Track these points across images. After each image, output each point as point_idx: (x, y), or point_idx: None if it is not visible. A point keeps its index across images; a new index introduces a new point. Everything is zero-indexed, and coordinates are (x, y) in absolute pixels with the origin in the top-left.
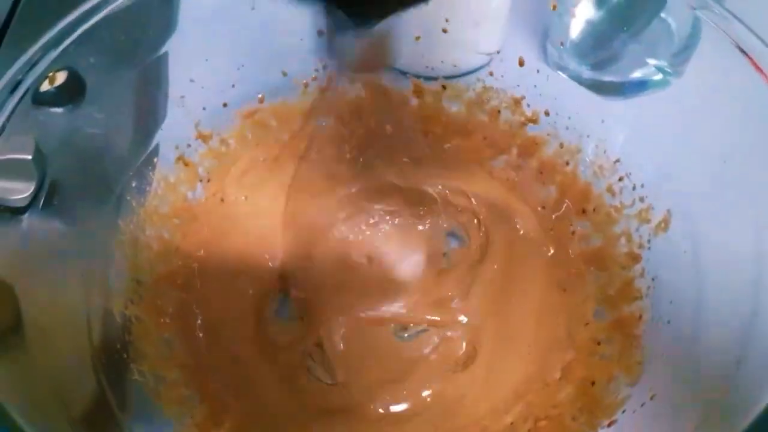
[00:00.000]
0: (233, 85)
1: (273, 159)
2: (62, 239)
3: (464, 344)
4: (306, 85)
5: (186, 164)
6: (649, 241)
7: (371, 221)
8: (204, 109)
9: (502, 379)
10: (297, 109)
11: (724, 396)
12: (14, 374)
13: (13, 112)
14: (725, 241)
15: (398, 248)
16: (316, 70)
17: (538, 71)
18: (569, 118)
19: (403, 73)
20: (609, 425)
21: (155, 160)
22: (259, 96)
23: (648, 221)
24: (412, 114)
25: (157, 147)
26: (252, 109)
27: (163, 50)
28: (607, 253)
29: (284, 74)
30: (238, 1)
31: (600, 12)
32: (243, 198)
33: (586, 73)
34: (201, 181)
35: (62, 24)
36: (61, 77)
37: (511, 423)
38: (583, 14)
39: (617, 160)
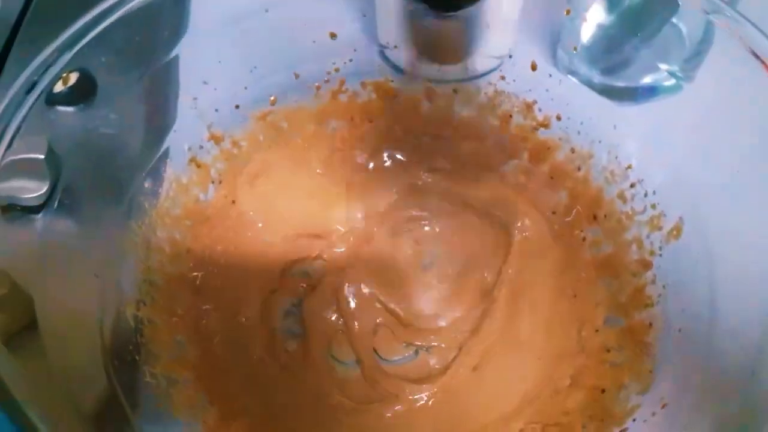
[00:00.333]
0: (246, 87)
1: (284, 161)
2: (75, 239)
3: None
4: (318, 88)
5: (198, 166)
6: (660, 248)
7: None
8: (216, 110)
9: (511, 385)
10: (309, 112)
11: (736, 407)
12: (29, 373)
13: (28, 112)
14: (739, 249)
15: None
16: (329, 73)
17: (550, 75)
18: (581, 123)
19: (415, 77)
20: None
21: (167, 161)
22: (271, 98)
23: (660, 228)
24: (424, 118)
25: (168, 148)
26: (264, 111)
27: (175, 52)
28: (618, 260)
29: (296, 77)
30: (251, 2)
31: (611, 16)
32: (254, 200)
33: (597, 78)
34: (213, 182)
35: (77, 25)
36: (73, 77)
37: (521, 430)
38: (594, 18)
39: (629, 166)
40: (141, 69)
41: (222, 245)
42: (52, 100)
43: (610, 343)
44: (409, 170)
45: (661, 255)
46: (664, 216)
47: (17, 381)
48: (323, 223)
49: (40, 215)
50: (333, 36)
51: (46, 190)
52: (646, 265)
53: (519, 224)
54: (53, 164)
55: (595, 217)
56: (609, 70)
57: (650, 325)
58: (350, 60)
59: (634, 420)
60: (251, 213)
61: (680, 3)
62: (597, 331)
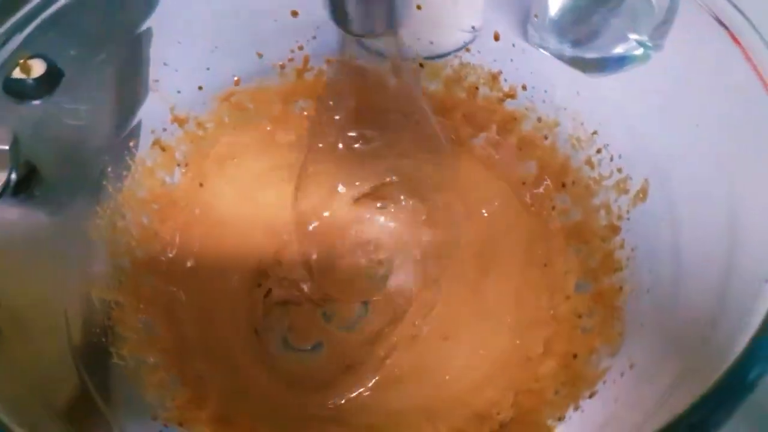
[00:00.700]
0: (208, 68)
1: (252, 142)
2: (38, 227)
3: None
4: (282, 67)
5: (163, 149)
6: (628, 211)
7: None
8: (179, 92)
9: (482, 354)
10: (274, 92)
11: (698, 358)
12: None
13: None
14: (701, 209)
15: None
16: (292, 51)
17: (513, 45)
18: (545, 91)
19: (380, 54)
20: (590, 396)
21: (131, 144)
22: (235, 78)
23: (626, 192)
24: (391, 94)
25: (133, 131)
26: (228, 92)
27: (139, 31)
28: (587, 227)
29: (260, 56)
30: None
31: None
32: (222, 182)
33: (568, 51)
34: (179, 165)
35: (29, 7)
36: (39, 69)
37: (493, 398)
38: None
39: (594, 132)
40: (104, 52)
41: (191, 228)
42: (20, 93)
43: (581, 309)
44: (378, 150)
45: (628, 218)
46: (630, 179)
47: None
48: (294, 205)
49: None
50: (295, 14)
51: (5, 180)
52: (615, 230)
53: (489, 198)
54: (15, 152)
55: (563, 185)
56: (579, 42)
57: (620, 288)
58: (313, 37)
59: (604, 382)
60: (218, 195)
61: None
62: (568, 297)
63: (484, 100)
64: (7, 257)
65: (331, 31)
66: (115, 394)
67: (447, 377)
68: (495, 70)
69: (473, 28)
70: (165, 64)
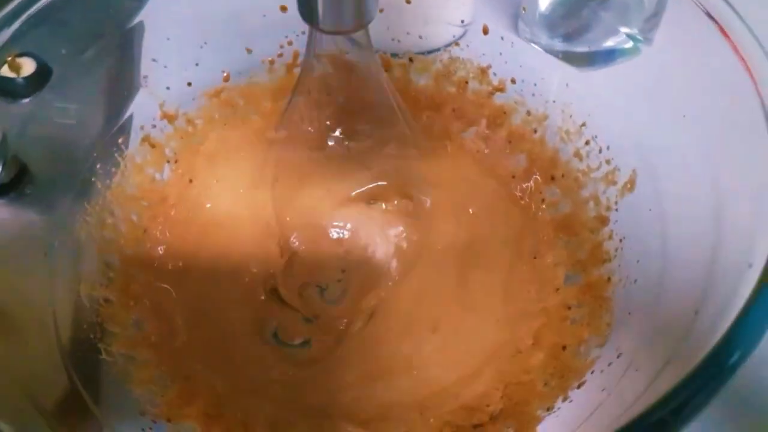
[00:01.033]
0: (197, 64)
1: (242, 139)
2: (27, 224)
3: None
4: (272, 63)
5: (152, 145)
6: (616, 202)
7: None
8: (168, 88)
9: (471, 347)
10: (264, 88)
11: (683, 346)
12: None
13: None
14: (686, 198)
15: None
16: (282, 47)
17: (502, 38)
18: (535, 84)
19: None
20: (578, 387)
21: (120, 141)
22: (224, 74)
23: (615, 183)
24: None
25: (122, 128)
26: (218, 88)
27: (128, 27)
28: (577, 218)
29: (249, 51)
30: None
31: None
32: (212, 179)
33: (559, 45)
34: (168, 162)
35: (16, 2)
36: (28, 67)
37: (483, 390)
38: None
39: (583, 124)
40: (93, 48)
41: (181, 225)
42: (9, 92)
43: (570, 300)
44: (370, 146)
45: (617, 209)
46: (618, 170)
47: None
48: (285, 204)
49: None
50: (284, 9)
51: None
52: (603, 221)
53: (479, 192)
54: (4, 151)
55: (553, 178)
56: (569, 36)
57: (608, 279)
58: (303, 32)
59: (592, 372)
60: (208, 192)
61: None
62: (557, 290)
63: (474, 95)
64: None
65: None
66: (104, 392)
67: (436, 370)
68: (484, 64)
69: (462, 22)
70: (154, 60)
